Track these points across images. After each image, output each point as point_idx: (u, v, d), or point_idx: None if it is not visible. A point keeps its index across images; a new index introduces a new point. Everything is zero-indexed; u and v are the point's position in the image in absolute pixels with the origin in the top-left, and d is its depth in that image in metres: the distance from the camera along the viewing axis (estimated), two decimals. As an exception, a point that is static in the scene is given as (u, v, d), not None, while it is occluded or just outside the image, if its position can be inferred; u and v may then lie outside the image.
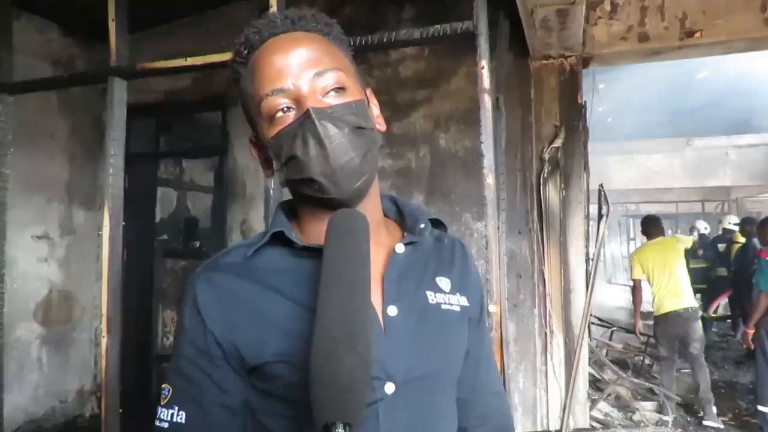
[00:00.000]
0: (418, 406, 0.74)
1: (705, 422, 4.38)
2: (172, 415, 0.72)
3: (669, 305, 4.49)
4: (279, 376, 0.69)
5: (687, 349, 4.50)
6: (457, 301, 0.82)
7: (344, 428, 0.53)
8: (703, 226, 9.05)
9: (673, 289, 4.48)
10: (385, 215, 0.86)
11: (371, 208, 0.79)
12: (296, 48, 0.74)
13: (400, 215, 0.88)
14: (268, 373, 0.70)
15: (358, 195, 0.75)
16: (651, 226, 4.85)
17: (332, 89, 0.73)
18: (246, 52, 0.77)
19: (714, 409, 4.42)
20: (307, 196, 0.75)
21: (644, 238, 5.13)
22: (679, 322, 4.46)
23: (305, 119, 0.70)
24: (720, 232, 8.55)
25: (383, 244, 0.81)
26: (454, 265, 0.86)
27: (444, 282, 0.82)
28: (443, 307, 0.79)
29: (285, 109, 0.72)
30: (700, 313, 4.69)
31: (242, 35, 0.78)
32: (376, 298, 0.74)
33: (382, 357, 0.71)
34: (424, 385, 0.75)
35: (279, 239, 0.76)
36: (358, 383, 0.55)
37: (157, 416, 0.74)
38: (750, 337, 4.23)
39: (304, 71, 0.72)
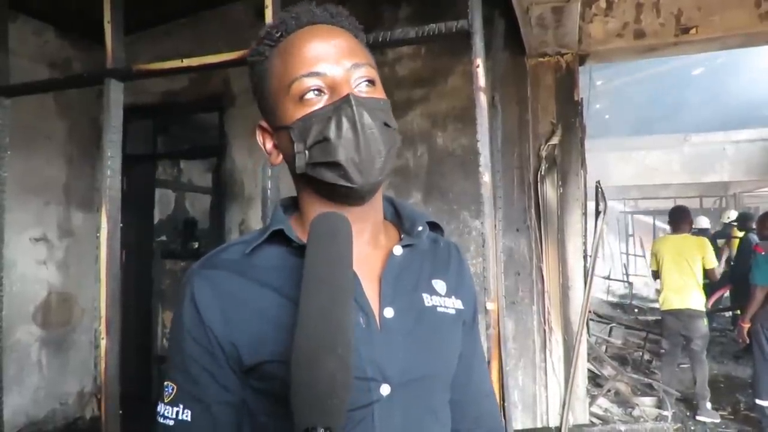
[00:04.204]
0: (414, 408, 0.74)
1: (698, 417, 4.40)
2: (177, 413, 0.72)
3: (673, 303, 4.48)
4: (276, 376, 0.69)
5: (689, 345, 4.50)
6: (452, 304, 0.82)
7: None
8: (706, 223, 9.07)
9: (680, 288, 4.45)
10: (383, 216, 0.86)
11: (376, 207, 0.80)
12: (336, 38, 0.75)
13: (397, 216, 0.88)
14: (266, 372, 0.70)
15: (374, 189, 0.76)
16: (675, 218, 4.73)
17: (365, 83, 0.75)
18: (278, 34, 0.77)
19: (709, 405, 4.45)
20: (322, 185, 0.74)
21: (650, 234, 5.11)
22: (682, 319, 4.46)
23: (343, 103, 0.71)
24: (720, 228, 8.57)
25: (381, 246, 0.81)
26: (449, 268, 0.86)
27: (440, 285, 0.83)
28: (439, 309, 0.80)
29: (317, 92, 0.72)
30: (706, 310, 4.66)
31: (277, 19, 0.79)
32: (372, 299, 0.75)
33: (378, 358, 0.71)
34: (419, 387, 0.75)
35: (278, 237, 0.76)
36: (339, 387, 0.54)
37: (160, 413, 0.73)
38: (745, 332, 4.24)
39: (342, 59, 0.73)
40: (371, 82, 0.75)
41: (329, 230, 0.64)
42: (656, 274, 4.77)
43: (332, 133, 0.70)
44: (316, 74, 0.72)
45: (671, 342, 4.58)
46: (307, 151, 0.73)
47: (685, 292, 4.45)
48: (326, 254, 0.62)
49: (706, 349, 4.57)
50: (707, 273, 4.50)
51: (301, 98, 0.73)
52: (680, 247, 4.55)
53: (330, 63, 0.73)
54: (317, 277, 0.60)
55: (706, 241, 4.67)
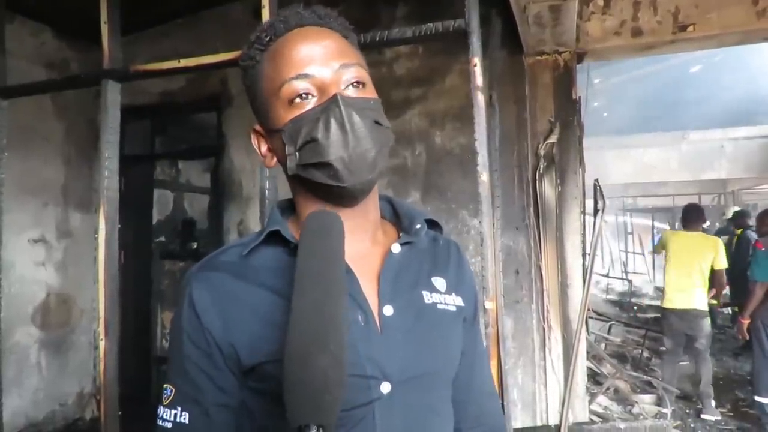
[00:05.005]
0: (414, 406, 0.74)
1: (703, 416, 4.41)
2: (175, 415, 0.73)
3: (678, 302, 4.46)
4: (274, 376, 0.68)
5: (693, 344, 4.49)
6: (452, 301, 0.82)
7: (318, 430, 0.53)
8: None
9: (686, 288, 4.43)
10: (381, 216, 0.86)
11: (371, 206, 0.81)
12: (324, 39, 0.76)
13: (395, 215, 0.88)
14: (264, 373, 0.70)
15: (367, 188, 0.76)
16: (689, 216, 4.66)
17: (354, 83, 0.75)
18: (268, 38, 0.77)
19: (713, 403, 4.46)
20: (315, 186, 0.75)
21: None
22: (686, 319, 4.44)
23: (331, 104, 0.71)
24: (723, 225, 8.57)
25: (380, 244, 0.81)
26: (449, 265, 0.86)
27: (439, 282, 0.83)
28: (439, 306, 0.80)
29: (306, 94, 0.73)
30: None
31: (266, 23, 0.80)
32: (371, 297, 0.75)
33: (378, 356, 0.71)
34: (420, 385, 0.75)
35: (275, 238, 0.77)
36: (332, 384, 0.54)
37: (159, 416, 0.74)
38: (745, 328, 4.25)
39: (330, 60, 0.74)
40: (360, 81, 0.76)
41: (321, 227, 0.64)
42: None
43: (320, 134, 0.71)
44: (305, 76, 0.73)
45: (674, 341, 4.57)
46: (297, 153, 0.73)
47: (690, 291, 4.42)
48: (319, 251, 0.62)
49: (709, 347, 4.57)
50: (715, 273, 4.45)
51: (291, 101, 0.73)
52: (691, 246, 4.49)
53: (318, 65, 0.73)
54: (309, 273, 0.60)
55: (720, 241, 4.56)
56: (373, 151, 0.72)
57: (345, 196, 0.75)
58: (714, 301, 4.60)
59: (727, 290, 7.26)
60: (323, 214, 0.66)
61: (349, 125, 0.71)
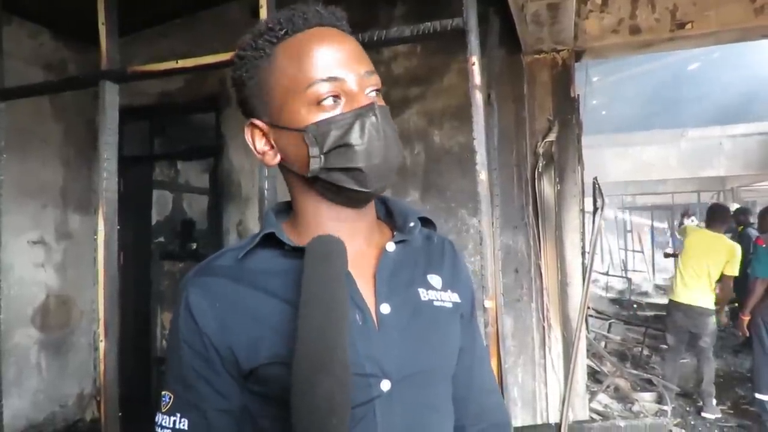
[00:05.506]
0: (414, 403, 0.74)
1: (704, 414, 4.41)
2: (174, 422, 0.73)
3: (684, 297, 4.45)
4: (275, 378, 0.69)
5: (697, 342, 4.49)
6: (448, 298, 0.82)
7: None
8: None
9: (693, 286, 4.43)
10: (376, 216, 0.87)
11: (371, 206, 0.82)
12: (348, 43, 0.76)
13: (389, 215, 0.89)
14: (264, 376, 0.70)
15: (382, 192, 0.78)
16: (714, 216, 4.61)
17: (375, 91, 0.76)
18: (283, 32, 0.75)
19: (714, 402, 4.46)
20: (332, 188, 0.75)
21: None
22: (691, 316, 4.43)
23: (367, 111, 0.72)
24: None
25: (375, 244, 0.82)
26: (444, 262, 0.87)
27: (435, 279, 0.83)
28: (435, 303, 0.80)
29: (336, 97, 0.73)
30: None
31: (280, 15, 0.77)
32: (368, 296, 0.75)
33: (377, 354, 0.71)
34: (419, 381, 0.75)
35: (270, 241, 0.77)
36: (338, 406, 0.56)
37: (158, 424, 0.74)
38: (745, 324, 4.25)
39: (356, 66, 0.74)
40: (379, 89, 0.77)
41: (324, 253, 0.65)
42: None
43: (355, 140, 0.71)
44: (335, 79, 0.72)
45: (677, 338, 4.56)
46: (323, 156, 0.72)
47: (696, 290, 4.41)
48: (322, 277, 0.63)
49: (713, 346, 4.56)
50: (723, 278, 4.41)
51: (318, 102, 0.72)
52: (707, 246, 4.45)
53: (346, 69, 0.73)
54: (313, 299, 0.61)
55: (738, 249, 4.46)
56: (399, 157, 0.76)
57: (361, 200, 0.76)
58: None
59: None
60: (326, 239, 0.67)
61: (383, 133, 0.72)
